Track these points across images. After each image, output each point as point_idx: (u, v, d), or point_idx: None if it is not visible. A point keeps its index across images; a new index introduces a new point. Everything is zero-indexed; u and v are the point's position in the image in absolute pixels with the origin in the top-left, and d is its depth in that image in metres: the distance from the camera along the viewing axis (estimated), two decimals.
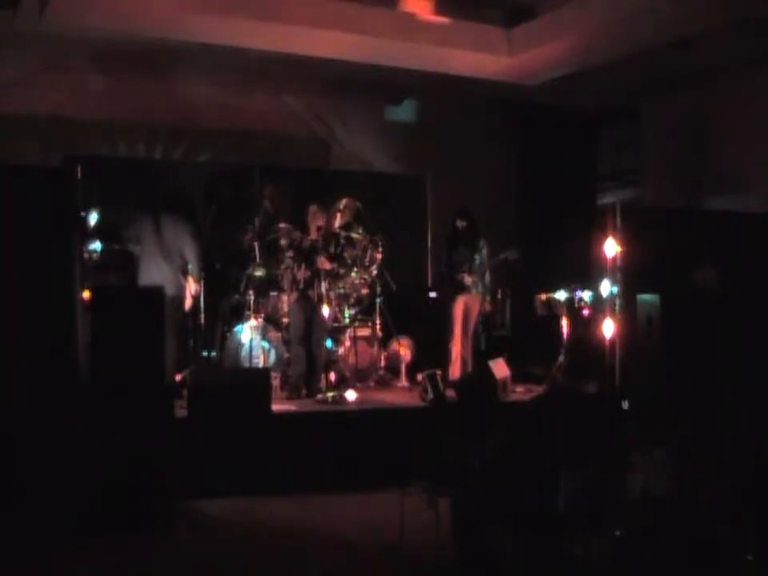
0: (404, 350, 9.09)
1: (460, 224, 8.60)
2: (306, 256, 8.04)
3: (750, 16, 7.75)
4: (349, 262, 8.78)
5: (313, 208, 8.21)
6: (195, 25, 7.84)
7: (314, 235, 8.12)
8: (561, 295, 8.82)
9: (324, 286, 7.96)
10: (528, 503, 4.25)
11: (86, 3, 7.49)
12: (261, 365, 8.20)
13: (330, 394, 7.64)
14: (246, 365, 8.16)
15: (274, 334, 8.54)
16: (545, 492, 4.24)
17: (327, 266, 8.09)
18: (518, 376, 8.30)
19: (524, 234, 10.30)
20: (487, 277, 8.64)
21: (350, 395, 7.68)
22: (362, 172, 10.32)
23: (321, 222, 8.19)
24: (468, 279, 8.46)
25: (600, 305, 7.88)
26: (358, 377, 8.81)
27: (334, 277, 8.37)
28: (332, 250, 8.27)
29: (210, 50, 8.37)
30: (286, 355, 8.34)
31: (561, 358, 8.56)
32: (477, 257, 8.54)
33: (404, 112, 10.61)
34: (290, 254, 8.08)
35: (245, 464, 6.40)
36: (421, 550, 4.99)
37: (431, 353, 8.82)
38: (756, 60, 8.98)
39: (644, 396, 6.31)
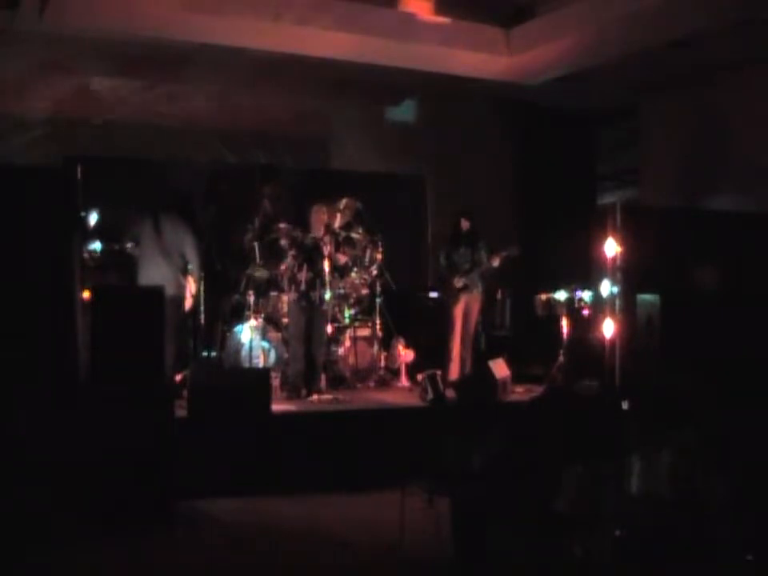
0: (404, 349, 9.09)
1: (464, 224, 8.61)
2: (308, 256, 8.03)
3: (750, 16, 7.75)
4: (350, 263, 8.80)
5: (317, 207, 8.21)
6: (195, 25, 7.84)
7: (319, 234, 8.11)
8: (561, 295, 8.83)
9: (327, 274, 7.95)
10: (528, 503, 4.25)
11: (86, 3, 7.49)
12: (261, 365, 8.20)
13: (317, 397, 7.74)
14: (246, 365, 8.16)
15: (274, 334, 8.53)
16: (545, 492, 4.24)
17: (342, 260, 8.14)
18: (517, 376, 8.30)
19: (524, 234, 10.29)
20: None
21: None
22: (362, 172, 10.31)
23: (326, 220, 8.19)
24: (459, 282, 8.47)
25: (600, 305, 7.87)
26: (358, 377, 8.81)
27: (341, 272, 8.40)
28: (333, 248, 8.28)
29: (210, 49, 8.37)
30: (286, 355, 8.33)
31: (561, 358, 8.57)
32: (477, 256, 8.55)
33: (404, 112, 10.61)
34: (292, 252, 8.08)
35: (245, 464, 6.40)
36: (421, 550, 4.99)
37: (431, 353, 8.82)
38: (756, 60, 8.98)
39: (644, 396, 6.31)
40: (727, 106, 9.56)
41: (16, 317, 5.56)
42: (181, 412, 6.53)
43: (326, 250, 8.02)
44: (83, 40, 8.20)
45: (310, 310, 7.99)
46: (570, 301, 8.79)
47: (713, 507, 4.18)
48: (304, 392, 7.89)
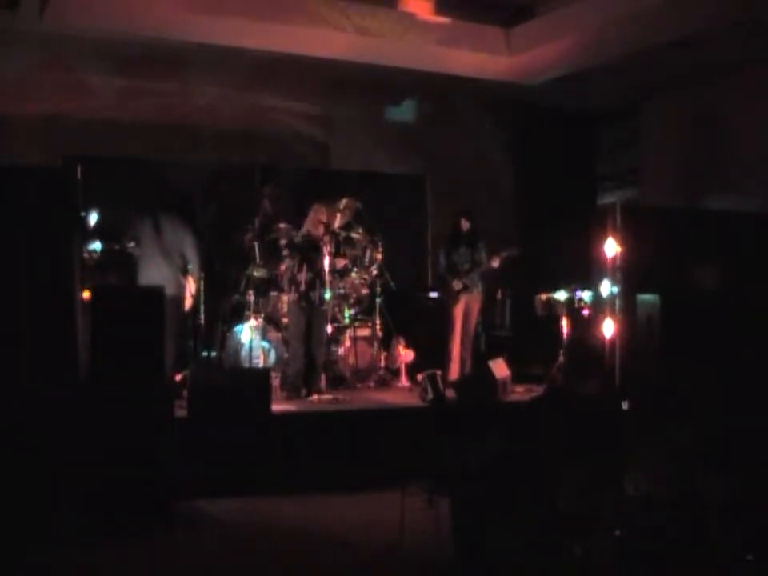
0: (404, 349, 9.09)
1: (464, 224, 8.61)
2: (305, 256, 8.02)
3: (750, 16, 7.75)
4: (349, 266, 8.81)
5: (317, 206, 8.20)
6: (195, 25, 7.84)
7: (318, 233, 8.10)
8: (561, 295, 8.83)
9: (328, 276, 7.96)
10: (528, 503, 4.25)
11: (86, 3, 7.50)
12: (261, 365, 8.20)
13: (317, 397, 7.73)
14: (246, 365, 8.16)
15: (274, 334, 8.53)
16: (545, 492, 4.24)
17: (341, 264, 8.14)
18: (517, 376, 8.29)
19: (524, 234, 10.29)
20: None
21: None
22: (362, 172, 10.31)
23: (324, 219, 8.19)
24: (458, 285, 8.48)
25: (600, 305, 7.87)
26: (358, 377, 8.81)
27: (340, 273, 8.41)
28: (333, 249, 8.28)
29: (209, 49, 8.37)
30: (286, 355, 8.33)
31: (561, 358, 8.57)
32: (477, 256, 8.56)
33: (404, 112, 10.60)
34: (285, 251, 8.07)
35: (245, 464, 6.40)
36: (421, 550, 4.99)
37: (431, 353, 8.82)
38: (756, 60, 8.98)
39: (644, 396, 6.31)
40: (727, 106, 9.56)
41: (16, 317, 5.56)
42: (181, 412, 6.53)
43: (326, 250, 8.02)
44: (83, 40, 8.20)
45: (310, 310, 7.99)
46: (570, 301, 8.79)
47: (713, 507, 4.18)
48: (304, 392, 7.88)
